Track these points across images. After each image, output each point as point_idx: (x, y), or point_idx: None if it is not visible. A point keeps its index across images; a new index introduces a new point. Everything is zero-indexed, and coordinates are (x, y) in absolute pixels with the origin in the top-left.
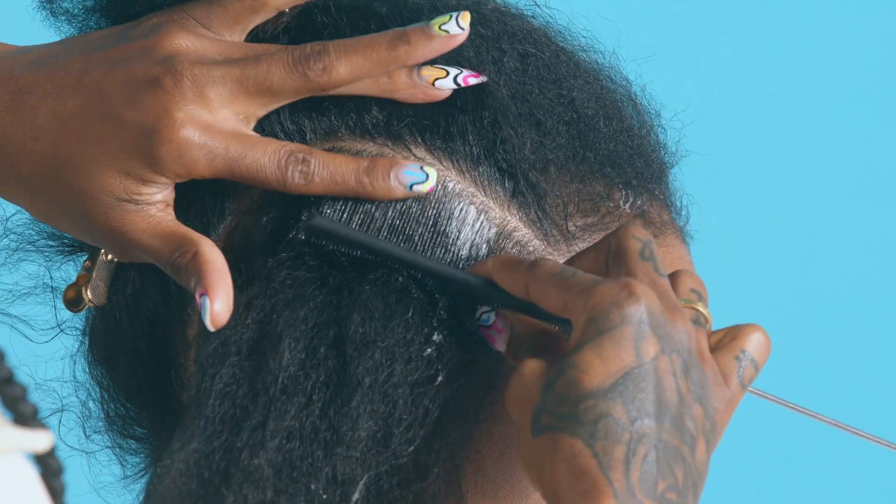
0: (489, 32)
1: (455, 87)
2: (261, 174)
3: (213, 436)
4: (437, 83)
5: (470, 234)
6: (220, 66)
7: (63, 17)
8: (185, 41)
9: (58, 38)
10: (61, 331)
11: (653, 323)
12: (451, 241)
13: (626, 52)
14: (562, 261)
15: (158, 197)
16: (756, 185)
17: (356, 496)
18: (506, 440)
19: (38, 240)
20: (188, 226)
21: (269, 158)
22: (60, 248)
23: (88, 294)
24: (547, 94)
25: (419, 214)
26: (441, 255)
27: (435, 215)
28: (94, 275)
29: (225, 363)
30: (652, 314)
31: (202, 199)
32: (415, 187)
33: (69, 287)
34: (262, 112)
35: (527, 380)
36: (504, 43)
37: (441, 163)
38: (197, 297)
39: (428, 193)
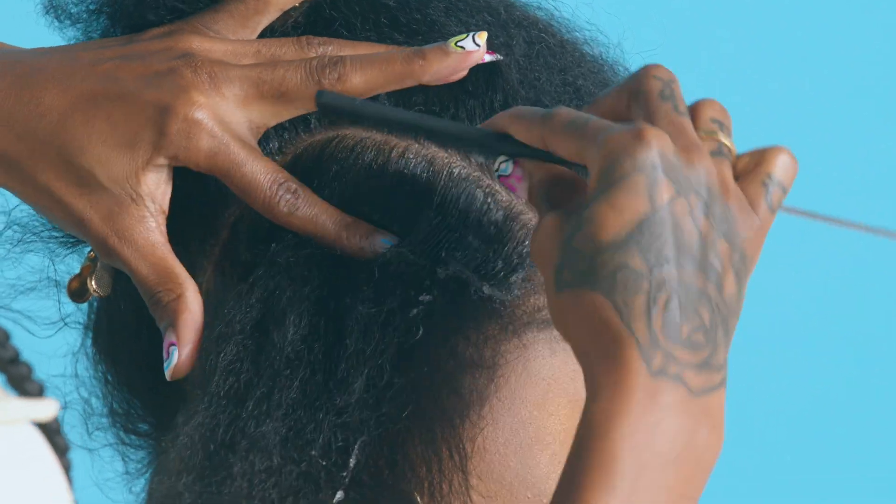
0: (496, 19)
1: (476, 47)
2: (253, 188)
3: (219, 410)
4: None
5: (477, 217)
6: (237, 67)
7: (67, 22)
8: (200, 42)
9: (62, 42)
10: (65, 324)
11: (666, 167)
12: (458, 225)
13: (629, 46)
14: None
15: (158, 193)
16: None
17: (353, 461)
18: (508, 421)
19: (43, 231)
20: (192, 213)
21: (265, 177)
22: (65, 238)
23: (93, 284)
24: (553, 80)
25: (431, 207)
26: (448, 238)
27: (441, 202)
28: (99, 265)
29: (230, 341)
30: (665, 158)
31: (206, 188)
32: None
33: (73, 278)
34: (272, 122)
35: (545, 236)
36: (512, 28)
37: (447, 151)
38: (166, 342)
39: None
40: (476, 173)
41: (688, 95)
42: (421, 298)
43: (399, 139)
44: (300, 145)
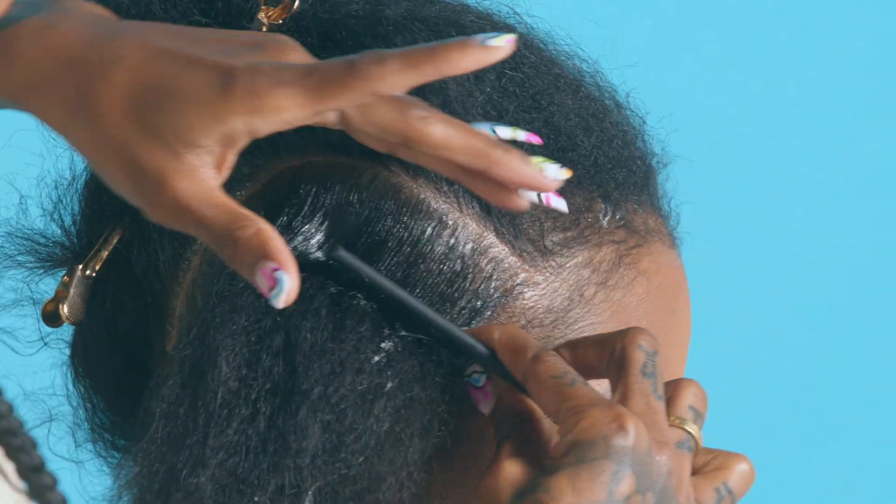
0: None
1: (537, 202)
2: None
3: (157, 458)
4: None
5: (444, 250)
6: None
7: None
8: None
9: None
10: (45, 344)
11: (635, 460)
12: (425, 258)
13: (611, 58)
14: (538, 278)
15: (219, 152)
16: (746, 186)
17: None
18: (475, 459)
19: (17, 254)
20: (167, 234)
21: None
22: (39, 263)
23: (65, 311)
24: (524, 107)
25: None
26: (416, 272)
27: (406, 234)
28: (72, 291)
29: (167, 383)
30: (637, 451)
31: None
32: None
33: (48, 302)
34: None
35: (500, 484)
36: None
37: (415, 180)
38: (263, 273)
39: None
40: (445, 205)
41: (674, 106)
42: (383, 346)
43: (367, 166)
44: (271, 172)
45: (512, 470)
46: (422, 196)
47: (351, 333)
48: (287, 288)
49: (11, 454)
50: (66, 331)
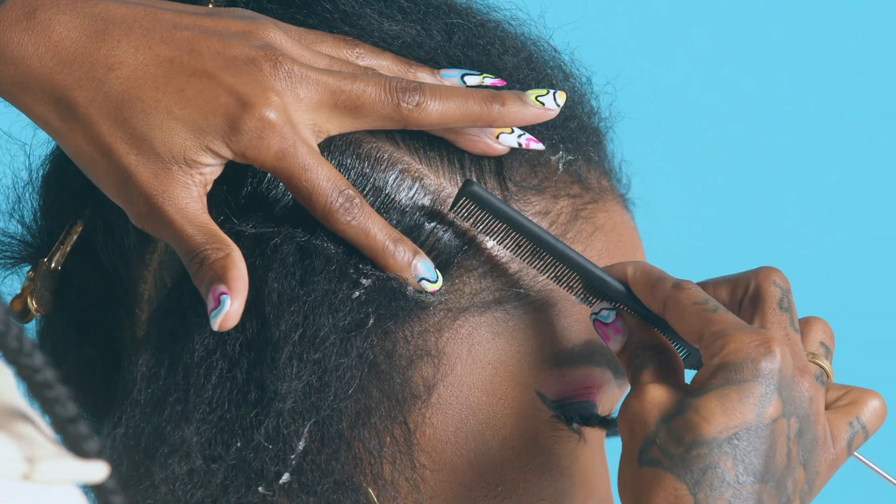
0: (412, 6)
1: (516, 146)
2: (315, 193)
3: (141, 418)
4: (500, 137)
5: (405, 201)
6: (316, 71)
7: None
8: (280, 37)
9: None
10: None
11: (781, 384)
12: (388, 209)
13: (551, 20)
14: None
15: (208, 173)
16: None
17: (301, 444)
18: (457, 408)
19: None
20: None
21: (328, 184)
22: (2, 261)
23: (34, 304)
24: (475, 60)
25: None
26: None
27: (370, 187)
28: (39, 284)
29: (146, 349)
30: (783, 375)
31: None
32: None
33: (14, 299)
34: (335, 131)
35: (646, 407)
36: (429, 16)
37: (374, 134)
38: (213, 293)
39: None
40: (405, 157)
41: (619, 68)
42: (363, 282)
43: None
44: None
45: (658, 393)
46: (382, 149)
47: (321, 275)
48: (225, 311)
49: (47, 407)
50: (31, 327)
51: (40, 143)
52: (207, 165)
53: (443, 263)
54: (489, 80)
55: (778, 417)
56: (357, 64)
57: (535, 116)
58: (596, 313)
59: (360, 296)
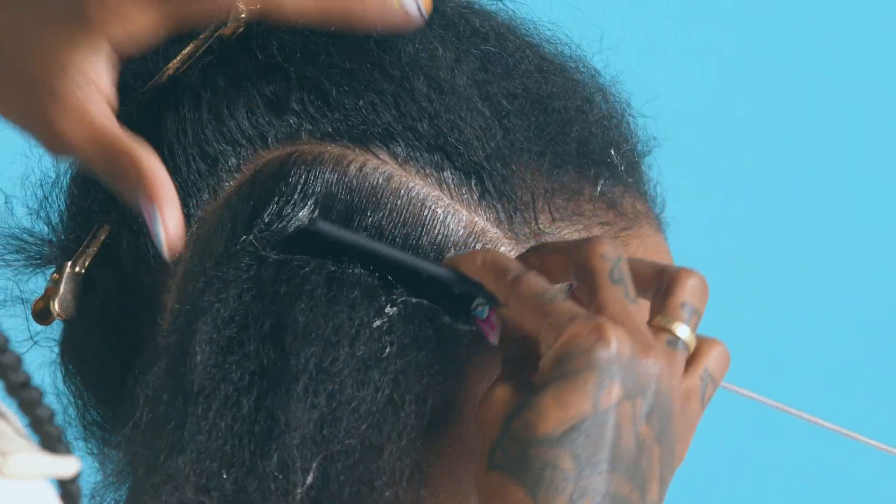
0: (450, 34)
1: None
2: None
3: (140, 443)
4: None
5: (438, 238)
6: None
7: None
8: None
9: None
10: (35, 343)
11: (621, 367)
12: (418, 246)
13: (594, 43)
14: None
15: (91, 72)
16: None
17: (310, 478)
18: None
19: (4, 253)
20: None
21: None
22: (27, 261)
23: (56, 307)
24: (512, 90)
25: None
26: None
27: (401, 222)
28: (62, 287)
29: (151, 370)
30: (621, 357)
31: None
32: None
33: (38, 300)
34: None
35: (493, 408)
36: (465, 43)
37: (404, 168)
38: (145, 212)
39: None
40: (435, 192)
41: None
42: (387, 311)
43: (356, 154)
44: (259, 161)
45: (501, 394)
46: (411, 184)
47: (342, 304)
48: (162, 237)
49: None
50: (55, 329)
51: None
52: (90, 66)
53: (468, 301)
54: None
55: (620, 402)
56: None
57: (396, 20)
58: (473, 310)
59: (381, 325)
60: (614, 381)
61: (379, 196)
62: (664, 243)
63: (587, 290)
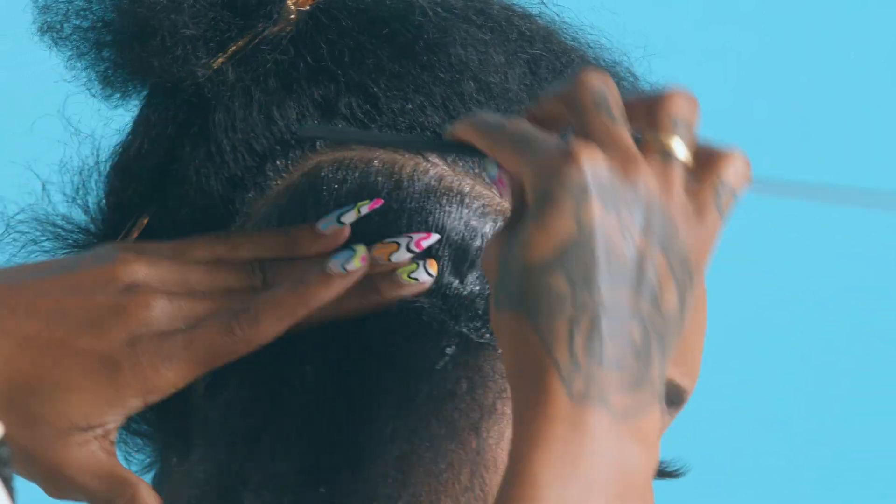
0: (496, 38)
1: (410, 255)
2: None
3: (230, 454)
4: (392, 258)
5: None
6: (174, 337)
7: (66, 48)
8: (143, 270)
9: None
10: None
11: (597, 184)
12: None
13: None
14: None
15: (110, 426)
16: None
17: None
18: None
19: (42, 240)
20: None
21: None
22: (65, 248)
23: None
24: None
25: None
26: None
27: (461, 222)
28: None
29: (236, 376)
30: (596, 176)
31: None
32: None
33: None
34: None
35: (489, 251)
36: (513, 46)
37: (453, 168)
38: None
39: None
40: (486, 192)
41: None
42: (447, 350)
43: (406, 159)
44: (308, 164)
45: (496, 236)
46: (464, 186)
47: (419, 338)
48: None
49: None
50: None
51: (110, 134)
52: (110, 422)
53: None
54: (364, 209)
55: (602, 217)
56: (242, 258)
57: (410, 291)
58: (485, 171)
59: (445, 364)
60: (591, 197)
61: (435, 198)
62: None
63: (575, 120)
